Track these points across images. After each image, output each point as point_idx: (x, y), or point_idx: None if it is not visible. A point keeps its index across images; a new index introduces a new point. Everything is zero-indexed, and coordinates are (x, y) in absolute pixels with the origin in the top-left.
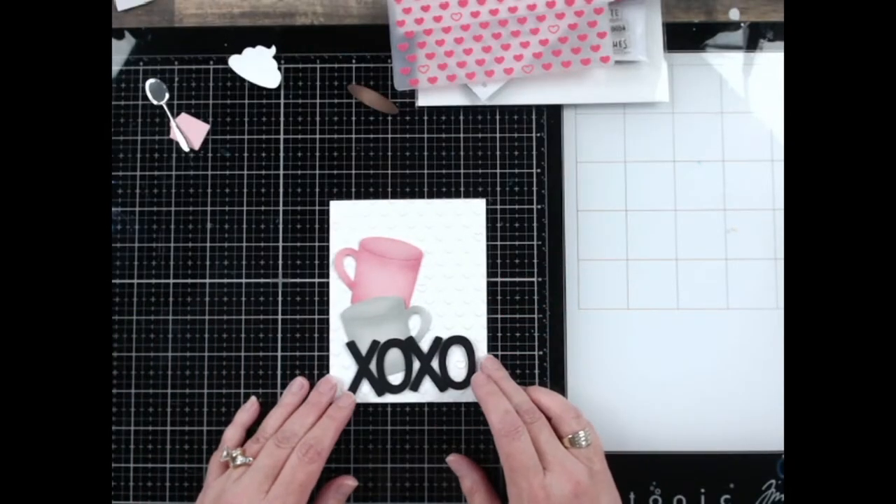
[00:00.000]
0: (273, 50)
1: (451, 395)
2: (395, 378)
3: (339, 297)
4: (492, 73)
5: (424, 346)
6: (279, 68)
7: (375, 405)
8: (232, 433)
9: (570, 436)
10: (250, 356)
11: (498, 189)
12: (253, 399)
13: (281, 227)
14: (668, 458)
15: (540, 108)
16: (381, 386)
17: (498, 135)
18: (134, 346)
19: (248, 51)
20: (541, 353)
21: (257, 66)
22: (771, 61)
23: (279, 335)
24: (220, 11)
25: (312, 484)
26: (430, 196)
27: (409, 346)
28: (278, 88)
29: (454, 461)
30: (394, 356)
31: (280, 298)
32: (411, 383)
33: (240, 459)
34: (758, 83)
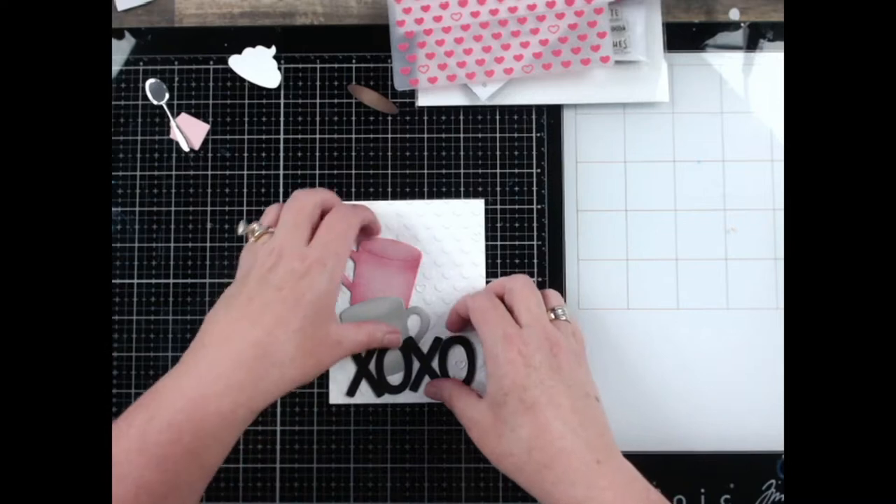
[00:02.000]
0: (273, 50)
1: None
2: (395, 379)
3: (339, 299)
4: (492, 73)
5: (424, 346)
6: (279, 68)
7: (375, 405)
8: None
9: (550, 308)
10: None
11: (498, 189)
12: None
13: None
14: (668, 458)
15: (540, 108)
16: (381, 387)
17: (498, 135)
18: (134, 346)
19: (248, 51)
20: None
21: (257, 66)
22: (771, 61)
23: None
24: (220, 11)
25: (353, 235)
26: (430, 196)
27: (408, 347)
28: (278, 88)
29: (429, 388)
30: (393, 357)
31: None
32: (411, 384)
33: (259, 229)
34: (758, 83)
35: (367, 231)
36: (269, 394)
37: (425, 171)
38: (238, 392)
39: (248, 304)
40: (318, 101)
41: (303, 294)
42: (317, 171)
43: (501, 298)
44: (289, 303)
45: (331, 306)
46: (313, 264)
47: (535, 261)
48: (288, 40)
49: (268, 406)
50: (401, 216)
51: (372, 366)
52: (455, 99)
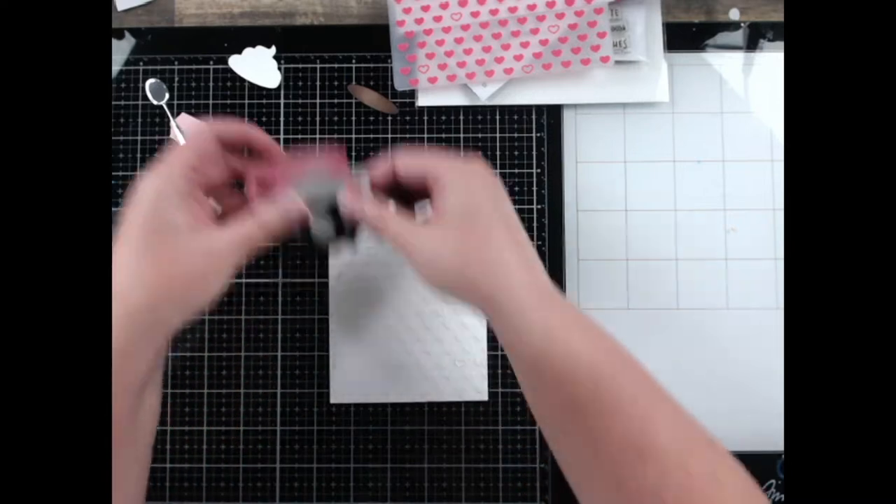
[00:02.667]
0: (273, 50)
1: (451, 390)
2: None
3: (339, 298)
4: (492, 73)
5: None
6: (279, 68)
7: (375, 405)
8: None
9: None
10: (250, 356)
11: None
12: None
13: None
14: None
15: (540, 108)
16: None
17: (498, 135)
18: None
19: (248, 51)
20: None
21: (257, 67)
22: (771, 61)
23: (279, 335)
24: (220, 11)
25: (199, 144)
26: None
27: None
28: (278, 88)
29: (348, 201)
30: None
31: (280, 298)
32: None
33: None
34: (758, 83)
35: (257, 149)
36: (169, 324)
37: None
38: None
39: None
40: (318, 101)
41: (128, 214)
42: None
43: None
44: (121, 227)
45: (164, 217)
46: (146, 177)
47: None
48: (288, 40)
49: (178, 326)
50: None
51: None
52: (455, 99)
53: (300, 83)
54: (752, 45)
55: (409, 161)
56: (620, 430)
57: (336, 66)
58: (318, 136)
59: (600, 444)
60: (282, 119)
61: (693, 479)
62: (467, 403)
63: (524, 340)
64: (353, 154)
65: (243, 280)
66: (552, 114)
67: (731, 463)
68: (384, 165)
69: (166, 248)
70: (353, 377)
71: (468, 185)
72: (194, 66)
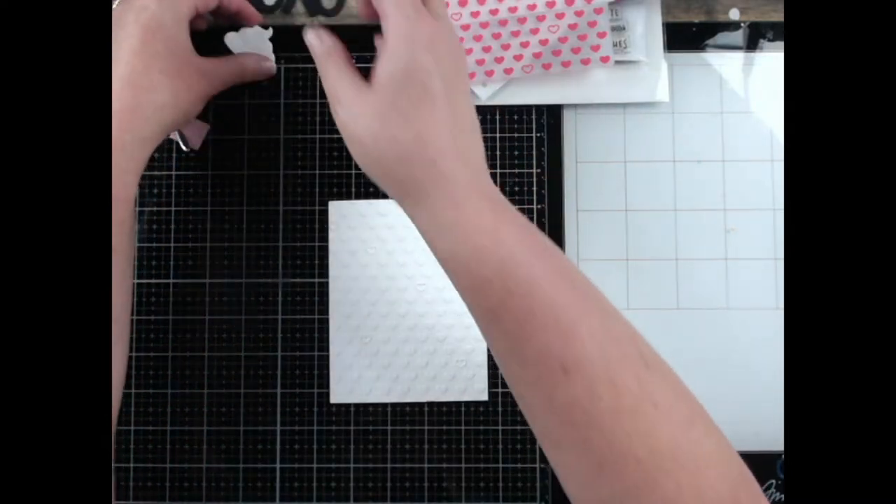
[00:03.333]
0: (270, 32)
1: (451, 390)
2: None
3: (339, 298)
4: (492, 73)
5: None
6: (279, 69)
7: (375, 405)
8: None
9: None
10: (250, 356)
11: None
12: None
13: (281, 227)
14: None
15: (540, 108)
16: None
17: (498, 135)
18: (134, 346)
19: (245, 30)
20: None
21: (254, 46)
22: (771, 61)
23: (279, 335)
24: None
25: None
26: None
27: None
28: (278, 88)
29: (309, 32)
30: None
31: (280, 298)
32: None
33: None
34: (758, 83)
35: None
36: (152, 120)
37: None
38: (119, 119)
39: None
40: (318, 101)
41: (147, 25)
42: (317, 171)
43: None
44: (137, 36)
45: (180, 35)
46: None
47: None
48: (288, 40)
49: (157, 136)
50: (401, 215)
51: None
52: None
53: (300, 83)
54: (752, 45)
55: None
56: (542, 339)
57: None
58: (318, 135)
59: (524, 354)
60: (282, 119)
61: (622, 398)
62: (467, 403)
63: (438, 237)
64: None
65: (243, 280)
66: (552, 114)
67: (671, 386)
68: None
69: (171, 60)
70: (353, 377)
71: (412, 47)
72: None
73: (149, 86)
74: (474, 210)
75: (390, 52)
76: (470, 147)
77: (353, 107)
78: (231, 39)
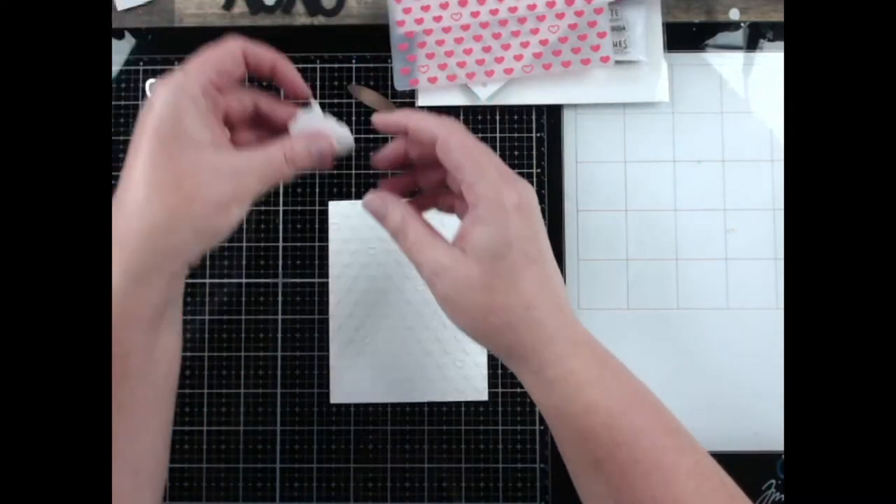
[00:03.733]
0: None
1: (451, 390)
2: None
3: (339, 298)
4: (492, 73)
5: None
6: None
7: (375, 405)
8: None
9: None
10: (250, 356)
11: None
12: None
13: (281, 227)
14: None
15: (540, 108)
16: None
17: (498, 135)
18: None
19: (298, 113)
20: None
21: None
22: (771, 61)
23: (279, 335)
24: (220, 11)
25: (215, 59)
26: None
27: None
28: (278, 89)
29: (370, 200)
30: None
31: (280, 298)
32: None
33: None
34: (758, 83)
35: (282, 85)
36: (142, 250)
37: None
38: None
39: None
40: (318, 100)
41: (143, 122)
42: (317, 171)
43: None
44: (134, 137)
45: (184, 127)
46: (161, 87)
47: None
48: (288, 40)
49: (158, 268)
50: None
51: None
52: (455, 99)
53: None
54: (752, 45)
55: (453, 149)
56: (645, 485)
57: (336, 66)
58: None
59: (625, 499)
60: None
61: None
62: (467, 403)
63: (545, 393)
64: (353, 154)
65: (243, 280)
66: (552, 114)
67: None
68: (423, 131)
69: (187, 164)
70: (353, 377)
71: (506, 214)
72: None
73: (132, 208)
74: (580, 364)
75: (484, 220)
76: (565, 297)
77: (456, 279)
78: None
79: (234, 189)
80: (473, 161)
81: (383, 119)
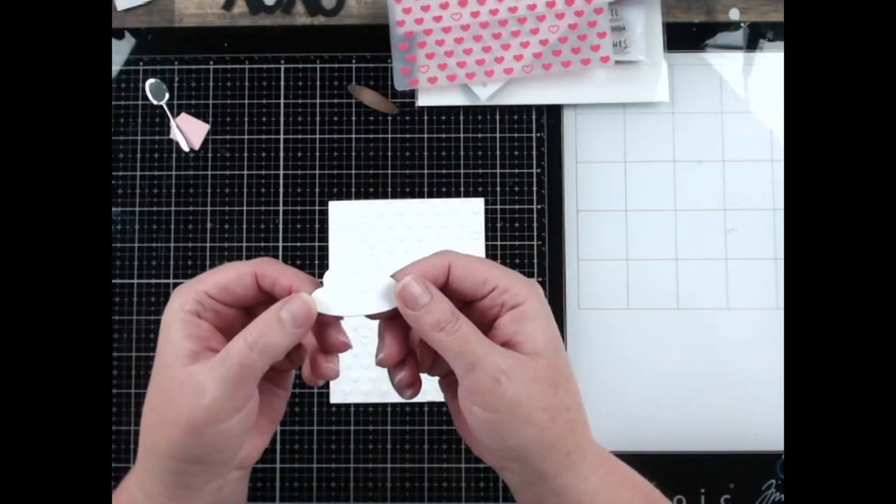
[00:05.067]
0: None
1: None
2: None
3: None
4: (492, 73)
5: None
6: (279, 69)
7: (375, 405)
8: None
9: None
10: None
11: (498, 189)
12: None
13: (281, 227)
14: (668, 458)
15: (540, 108)
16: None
17: (498, 135)
18: (134, 346)
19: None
20: None
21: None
22: (771, 61)
23: None
24: (220, 11)
25: (188, 296)
26: (430, 196)
27: None
28: (278, 88)
29: (409, 284)
30: None
31: None
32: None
33: None
34: (758, 83)
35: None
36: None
37: (425, 171)
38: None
39: None
40: (318, 101)
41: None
42: (317, 171)
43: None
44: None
45: (171, 340)
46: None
47: (535, 261)
48: (288, 40)
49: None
50: (401, 215)
51: None
52: (455, 99)
53: (300, 83)
54: (752, 45)
55: (470, 265)
56: None
57: (336, 66)
58: (317, 135)
59: None
60: (282, 119)
61: None
62: None
63: (593, 497)
64: (354, 154)
65: None
66: (552, 114)
67: None
68: (434, 264)
69: (165, 380)
70: (353, 377)
71: (549, 310)
72: (194, 66)
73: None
74: (613, 463)
75: (535, 316)
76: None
77: (525, 380)
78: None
79: (200, 405)
80: (494, 267)
81: (407, 305)
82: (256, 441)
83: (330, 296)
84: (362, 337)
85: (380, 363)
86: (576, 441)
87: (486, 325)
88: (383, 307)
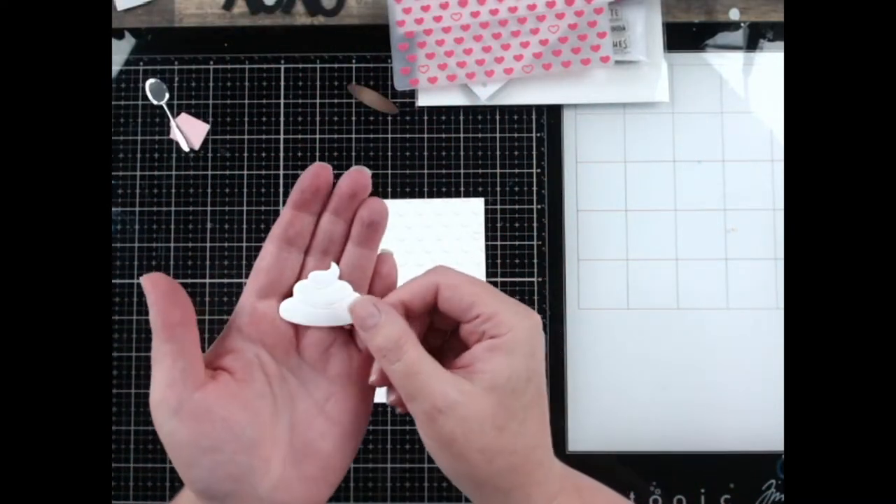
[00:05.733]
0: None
1: None
2: None
3: None
4: (492, 73)
5: None
6: (279, 69)
7: (375, 405)
8: None
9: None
10: None
11: (498, 189)
12: None
13: None
14: (668, 458)
15: (540, 108)
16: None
17: (498, 135)
18: (134, 346)
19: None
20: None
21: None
22: (771, 61)
23: None
24: (220, 11)
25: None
26: (430, 196)
27: None
28: (278, 88)
29: (359, 304)
30: None
31: None
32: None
33: None
34: (758, 83)
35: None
36: None
37: (425, 171)
38: None
39: None
40: (318, 101)
41: None
42: None
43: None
44: None
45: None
46: None
47: (535, 261)
48: (288, 40)
49: None
50: (401, 216)
51: None
52: (455, 99)
53: (300, 83)
54: (752, 45)
55: (459, 287)
56: None
57: (336, 66)
58: (318, 136)
59: None
60: (282, 119)
61: None
62: None
63: None
64: (353, 154)
65: (243, 280)
66: (552, 114)
67: None
68: (423, 284)
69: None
70: None
71: (530, 345)
72: (194, 66)
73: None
74: (567, 499)
75: (508, 350)
76: (549, 429)
77: (466, 417)
78: (291, 309)
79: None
80: (484, 292)
81: (357, 324)
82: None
83: (296, 305)
84: None
85: (372, 384)
86: (518, 481)
87: (464, 350)
88: (343, 321)
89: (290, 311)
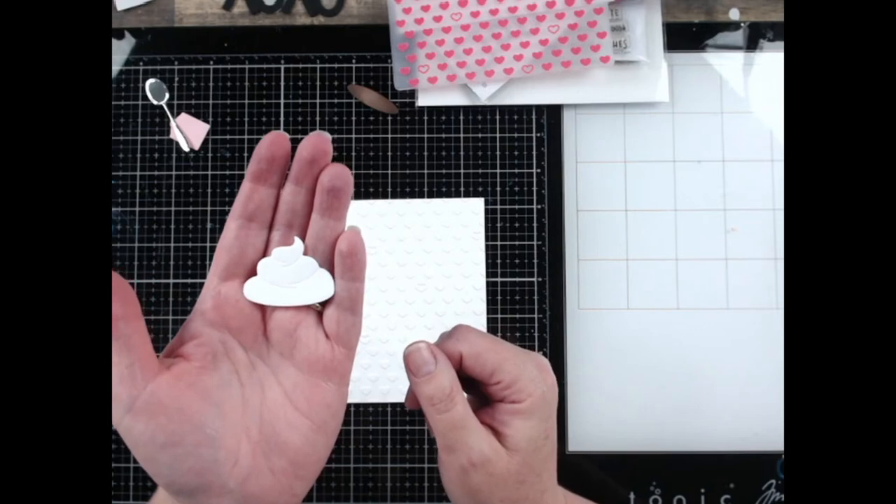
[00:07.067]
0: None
1: None
2: None
3: None
4: (492, 73)
5: None
6: (279, 69)
7: (376, 406)
8: None
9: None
10: None
11: (498, 189)
12: None
13: None
14: (668, 458)
15: (540, 108)
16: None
17: (498, 135)
18: None
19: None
20: (541, 353)
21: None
22: (771, 61)
23: None
24: (220, 11)
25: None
26: (430, 196)
27: None
28: (278, 88)
29: (418, 349)
30: None
31: None
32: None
33: None
34: (758, 83)
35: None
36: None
37: (425, 171)
38: None
39: None
40: (317, 101)
41: None
42: None
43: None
44: None
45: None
46: None
47: (535, 261)
48: (288, 40)
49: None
50: (401, 215)
51: None
52: (455, 99)
53: (300, 83)
54: (752, 45)
55: (483, 354)
56: None
57: (336, 66)
58: None
59: None
60: (282, 119)
61: None
62: None
63: None
64: (353, 154)
65: None
66: (552, 114)
67: None
68: (447, 349)
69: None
70: (353, 377)
71: (548, 405)
72: (194, 66)
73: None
74: None
75: (530, 414)
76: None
77: (495, 473)
78: (255, 289)
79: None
80: (504, 360)
81: (410, 370)
82: None
83: (261, 284)
84: (362, 337)
85: (407, 405)
86: None
87: (490, 400)
88: (309, 301)
89: (255, 291)
